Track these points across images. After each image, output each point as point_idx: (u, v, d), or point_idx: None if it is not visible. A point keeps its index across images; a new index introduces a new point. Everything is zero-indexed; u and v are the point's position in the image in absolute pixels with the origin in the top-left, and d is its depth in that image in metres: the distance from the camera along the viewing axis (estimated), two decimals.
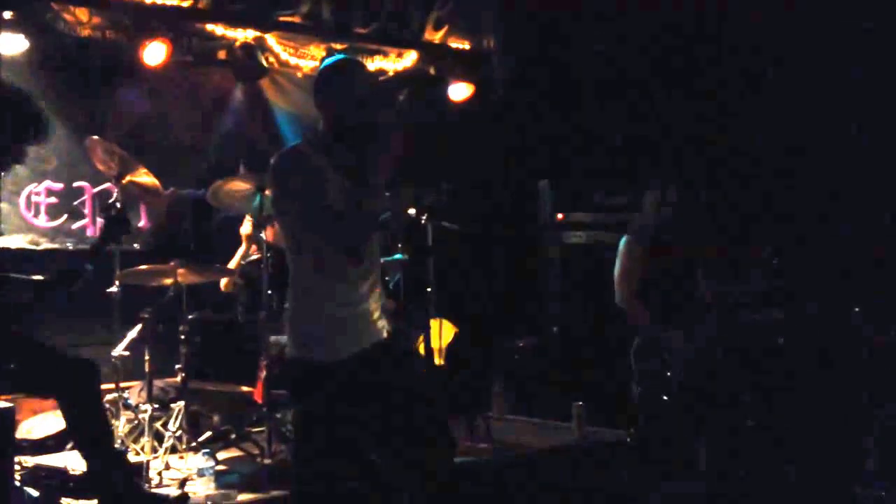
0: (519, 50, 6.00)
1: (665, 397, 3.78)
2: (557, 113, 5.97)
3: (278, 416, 3.98)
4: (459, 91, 5.87)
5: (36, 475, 3.54)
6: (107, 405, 4.22)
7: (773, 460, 3.73)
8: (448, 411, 3.69)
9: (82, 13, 4.81)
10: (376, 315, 2.63)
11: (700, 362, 3.72)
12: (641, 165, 5.56)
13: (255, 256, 4.55)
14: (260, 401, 4.04)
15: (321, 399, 2.55)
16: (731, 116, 5.36)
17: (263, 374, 4.02)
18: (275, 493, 3.43)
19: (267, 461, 3.84)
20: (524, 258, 5.84)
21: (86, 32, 4.85)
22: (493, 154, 5.98)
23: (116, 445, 3.30)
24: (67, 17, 4.79)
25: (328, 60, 2.82)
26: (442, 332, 4.67)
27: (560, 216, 5.59)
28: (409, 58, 5.83)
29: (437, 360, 4.50)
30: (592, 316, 5.08)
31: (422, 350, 4.43)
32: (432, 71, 5.91)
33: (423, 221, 4.68)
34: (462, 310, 5.32)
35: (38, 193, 4.91)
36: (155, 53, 4.87)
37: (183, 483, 3.47)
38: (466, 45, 5.99)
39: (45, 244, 4.90)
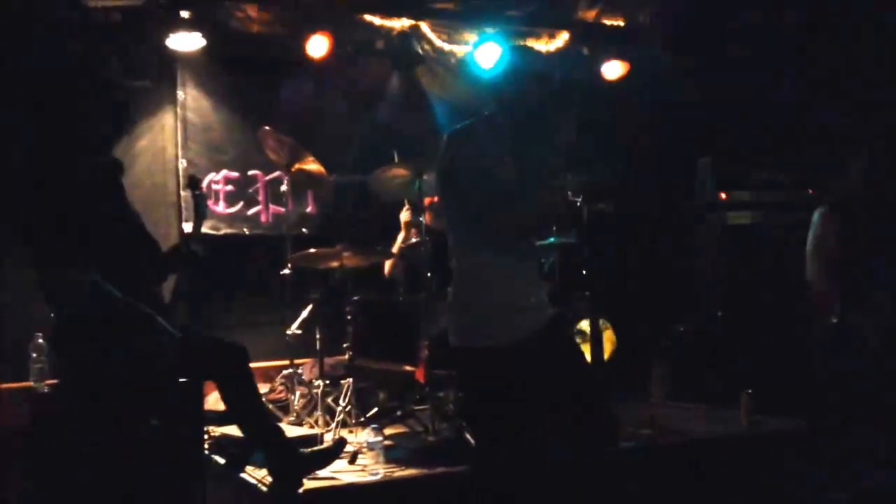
0: (676, 24, 5.82)
1: (853, 384, 3.56)
2: (717, 87, 5.75)
3: (440, 395, 4.09)
4: (613, 69, 5.77)
5: (222, 444, 3.79)
6: (283, 380, 4.52)
7: None
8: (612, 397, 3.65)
9: (252, 10, 5.08)
10: (538, 299, 2.65)
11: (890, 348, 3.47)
12: (809, 140, 5.27)
13: (414, 240, 4.68)
14: (422, 380, 4.17)
15: (490, 385, 2.59)
16: None
17: (425, 354, 4.14)
18: (439, 469, 3.51)
19: (431, 438, 3.96)
20: (685, 240, 5.68)
21: (255, 28, 5.11)
22: (650, 133, 5.85)
23: (272, 417, 3.45)
24: (239, 14, 5.07)
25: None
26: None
27: (722, 195, 5.40)
28: (561, 38, 5.79)
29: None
30: (758, 298, 4.87)
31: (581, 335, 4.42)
32: (585, 50, 5.84)
33: (578, 203, 4.66)
34: (620, 293, 5.25)
35: (217, 182, 5.24)
36: (318, 46, 5.08)
37: (354, 456, 3.63)
38: (621, 22, 5.88)
39: (224, 230, 5.21)
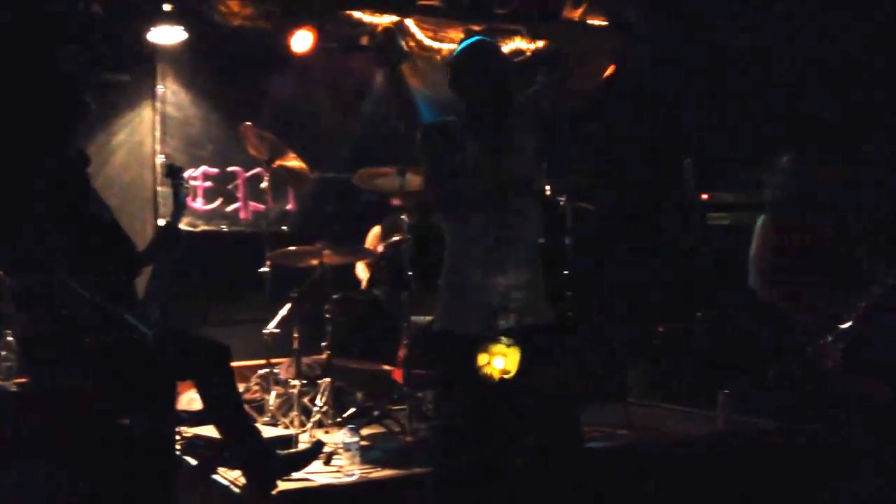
0: (661, 24, 5.81)
1: (805, 388, 3.60)
2: (701, 87, 5.74)
3: (419, 395, 4.06)
4: None
5: (195, 445, 3.73)
6: (258, 380, 4.48)
7: None
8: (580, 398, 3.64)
9: (234, 3, 5.03)
10: (519, 293, 2.61)
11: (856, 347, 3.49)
12: (780, 139, 5.27)
13: (396, 238, 4.64)
14: (400, 380, 4.13)
15: (460, 373, 2.56)
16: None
17: (404, 353, 4.11)
18: (417, 469, 3.47)
19: (408, 439, 3.93)
20: (666, 240, 5.68)
21: (237, 22, 5.07)
22: (635, 133, 5.84)
23: (249, 418, 3.41)
24: (221, 7, 5.02)
25: (463, 44, 2.85)
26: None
27: (703, 196, 5.39)
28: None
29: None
30: (739, 300, 4.87)
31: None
32: (570, 49, 5.82)
33: (561, 203, 4.63)
34: (601, 293, 5.23)
35: (195, 178, 5.19)
36: (302, 41, 5.04)
37: (329, 457, 3.59)
38: (605, 23, 5.86)
39: (202, 226, 5.18)
